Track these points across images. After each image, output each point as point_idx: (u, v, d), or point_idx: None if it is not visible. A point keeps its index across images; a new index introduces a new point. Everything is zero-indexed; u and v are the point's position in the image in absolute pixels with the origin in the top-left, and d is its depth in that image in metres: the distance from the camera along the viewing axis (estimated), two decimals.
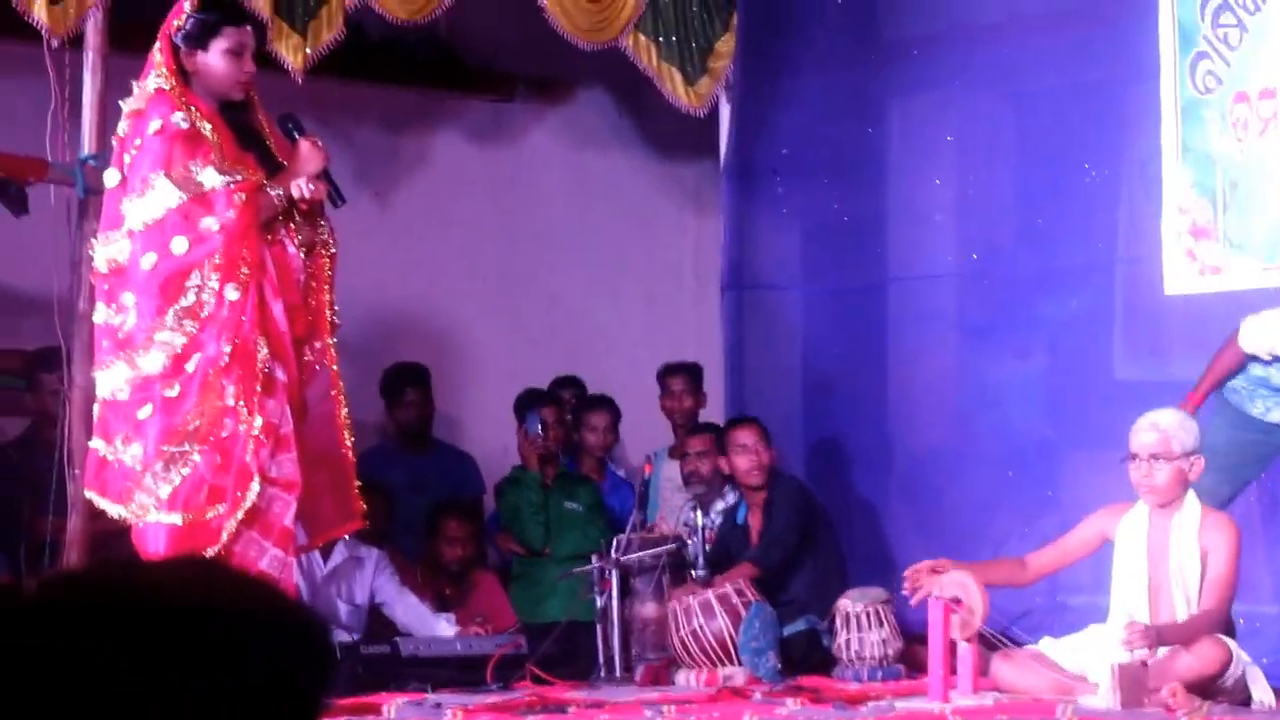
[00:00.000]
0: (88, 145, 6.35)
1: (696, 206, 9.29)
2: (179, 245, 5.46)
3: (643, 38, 7.97)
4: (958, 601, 5.84)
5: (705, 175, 8.97)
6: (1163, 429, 5.81)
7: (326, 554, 6.97)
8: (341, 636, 6.67)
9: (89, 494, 5.63)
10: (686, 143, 9.02)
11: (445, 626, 6.94)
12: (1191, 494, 5.83)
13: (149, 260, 5.45)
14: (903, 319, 7.82)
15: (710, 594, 6.70)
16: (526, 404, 7.99)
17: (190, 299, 5.46)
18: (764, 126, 8.24)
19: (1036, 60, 7.39)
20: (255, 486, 5.45)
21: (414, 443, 8.24)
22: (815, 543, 7.23)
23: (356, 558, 7.06)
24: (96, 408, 5.65)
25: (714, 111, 8.24)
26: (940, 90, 7.75)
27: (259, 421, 5.50)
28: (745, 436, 7.33)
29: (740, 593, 6.74)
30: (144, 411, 5.46)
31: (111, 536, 5.72)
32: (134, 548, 5.51)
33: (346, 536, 6.66)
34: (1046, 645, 5.93)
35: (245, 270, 5.50)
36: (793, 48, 8.13)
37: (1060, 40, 7.31)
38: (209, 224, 5.47)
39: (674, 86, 8.06)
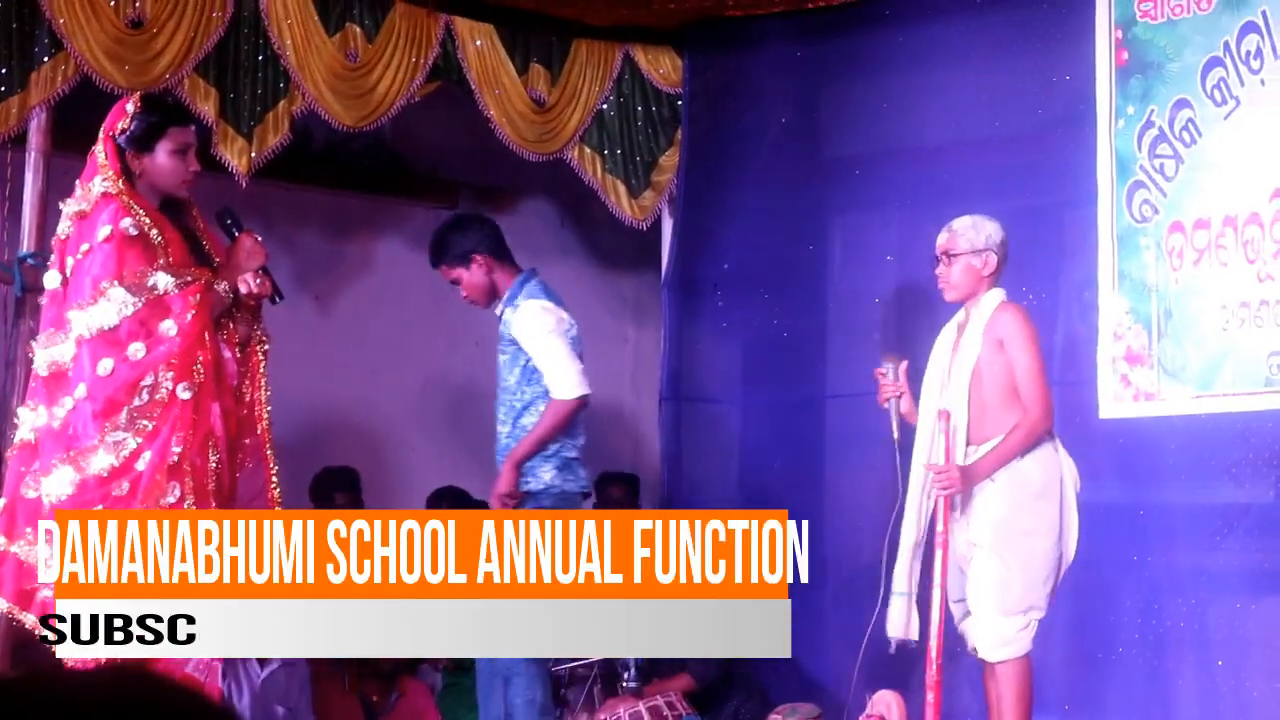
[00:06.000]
0: (27, 244, 6.33)
1: (636, 318, 9.30)
2: (137, 351, 5.44)
3: (588, 150, 8.02)
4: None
5: (646, 287, 8.99)
6: (953, 229, 6.01)
7: (263, 659, 6.89)
8: None
9: None
10: (628, 254, 9.04)
11: None
12: (996, 291, 5.97)
13: (105, 366, 5.43)
14: (840, 435, 7.83)
15: (641, 706, 6.67)
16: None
17: (144, 398, 5.44)
18: (706, 240, 8.28)
19: (977, 184, 7.45)
20: None
21: None
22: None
23: (290, 663, 6.97)
24: (2, 502, 5.58)
25: (656, 224, 8.28)
26: (881, 210, 7.81)
27: None
28: None
29: (672, 705, 6.71)
30: None
31: (34, 642, 5.65)
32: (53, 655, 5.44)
33: None
34: None
35: (200, 370, 5.49)
36: (736, 164, 8.18)
37: (1001, 165, 7.39)
38: (167, 327, 5.46)
39: (618, 199, 8.10)
